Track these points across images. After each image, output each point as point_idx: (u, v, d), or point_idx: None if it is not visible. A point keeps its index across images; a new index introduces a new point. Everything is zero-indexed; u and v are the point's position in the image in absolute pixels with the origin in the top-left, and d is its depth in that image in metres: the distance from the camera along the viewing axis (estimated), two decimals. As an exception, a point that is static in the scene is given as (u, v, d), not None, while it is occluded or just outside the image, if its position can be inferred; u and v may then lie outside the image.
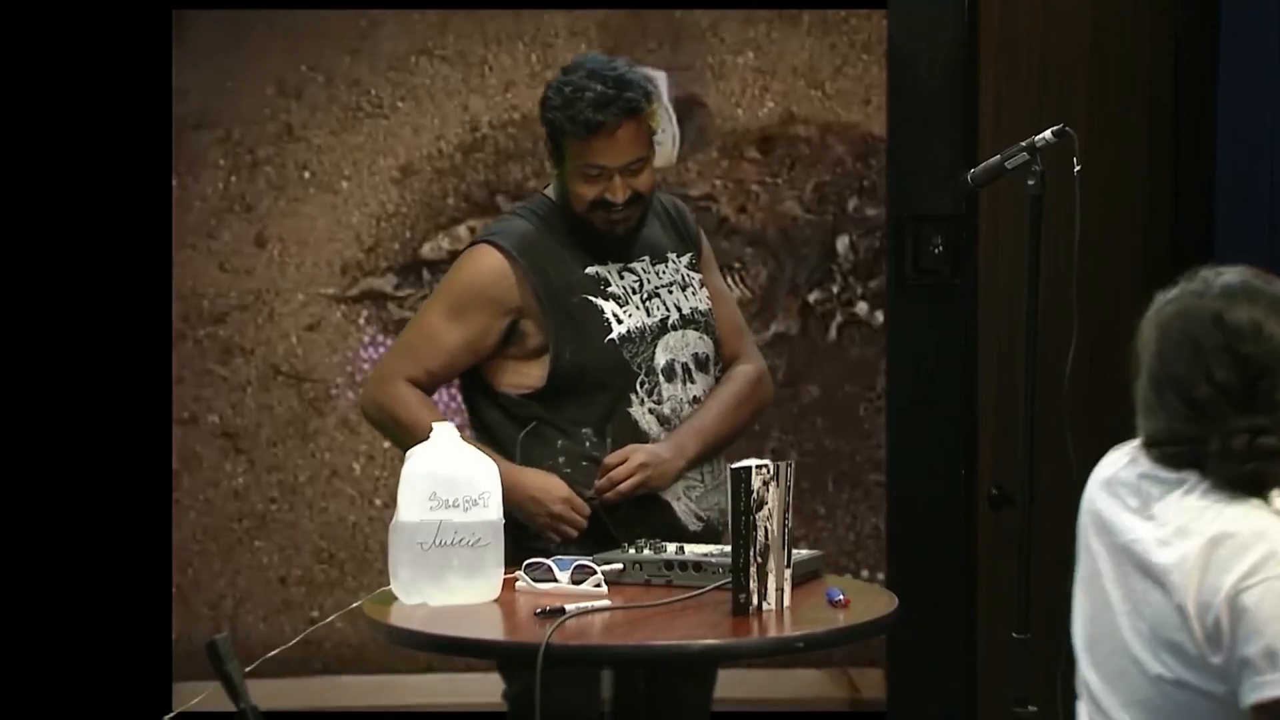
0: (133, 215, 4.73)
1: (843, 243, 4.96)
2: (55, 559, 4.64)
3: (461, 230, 4.91)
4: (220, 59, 4.92)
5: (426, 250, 4.95)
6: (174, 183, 4.90)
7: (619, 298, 3.31)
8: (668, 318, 3.35)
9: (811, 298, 4.96)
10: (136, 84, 4.70)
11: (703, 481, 3.36)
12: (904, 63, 4.41)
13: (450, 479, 2.83)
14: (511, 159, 4.95)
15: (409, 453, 2.92)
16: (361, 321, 4.95)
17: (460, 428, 3.01)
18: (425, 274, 4.94)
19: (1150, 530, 2.26)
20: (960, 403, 4.41)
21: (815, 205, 4.96)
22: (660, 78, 4.92)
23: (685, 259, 3.44)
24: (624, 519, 3.25)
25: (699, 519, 3.34)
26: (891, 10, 4.43)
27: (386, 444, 4.89)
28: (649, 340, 3.32)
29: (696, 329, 3.39)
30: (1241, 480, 2.23)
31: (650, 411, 3.31)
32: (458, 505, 2.82)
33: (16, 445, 4.63)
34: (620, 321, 3.30)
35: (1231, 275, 2.30)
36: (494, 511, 2.86)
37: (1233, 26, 4.29)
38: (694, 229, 3.51)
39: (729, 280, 4.96)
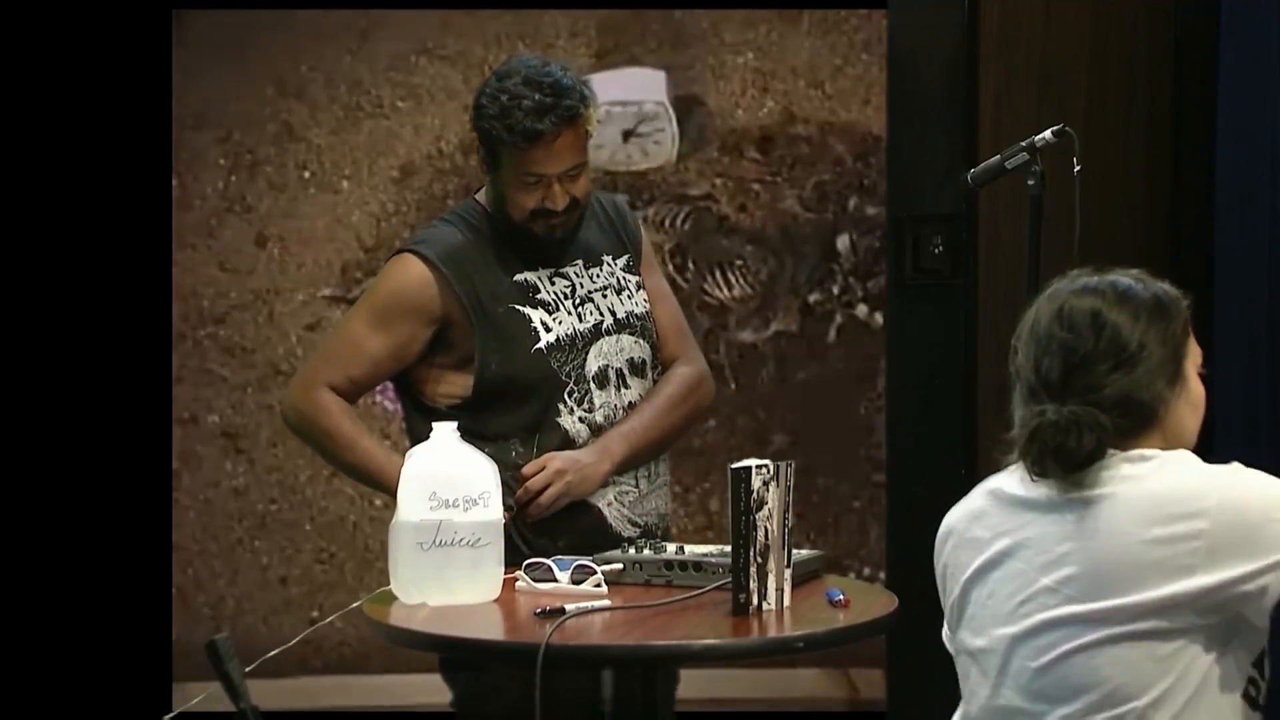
0: (133, 215, 4.73)
1: (843, 242, 4.96)
2: (56, 559, 4.64)
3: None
4: (220, 59, 4.93)
5: (426, 250, 4.95)
6: (174, 183, 4.91)
7: (548, 305, 3.25)
8: (601, 323, 3.29)
9: (812, 297, 4.97)
10: (136, 84, 4.70)
11: (637, 486, 3.31)
12: (904, 63, 4.41)
13: (450, 479, 2.83)
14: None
15: (409, 453, 2.91)
16: (361, 321, 4.95)
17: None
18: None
19: (1058, 491, 2.27)
20: (960, 403, 4.41)
21: (815, 204, 4.96)
22: (660, 78, 4.93)
23: (622, 261, 3.37)
24: (548, 526, 3.20)
25: (634, 524, 3.29)
26: (891, 10, 4.43)
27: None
28: (580, 347, 3.26)
29: (632, 333, 3.32)
30: (1038, 465, 2.26)
31: (581, 420, 3.25)
32: (458, 505, 2.81)
33: (17, 445, 4.64)
34: (549, 330, 3.24)
35: (1106, 275, 2.33)
36: (494, 511, 2.85)
37: (1233, 26, 4.29)
38: (633, 229, 3.43)
39: (729, 278, 4.96)
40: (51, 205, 4.67)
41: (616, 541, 3.16)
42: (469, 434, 3.11)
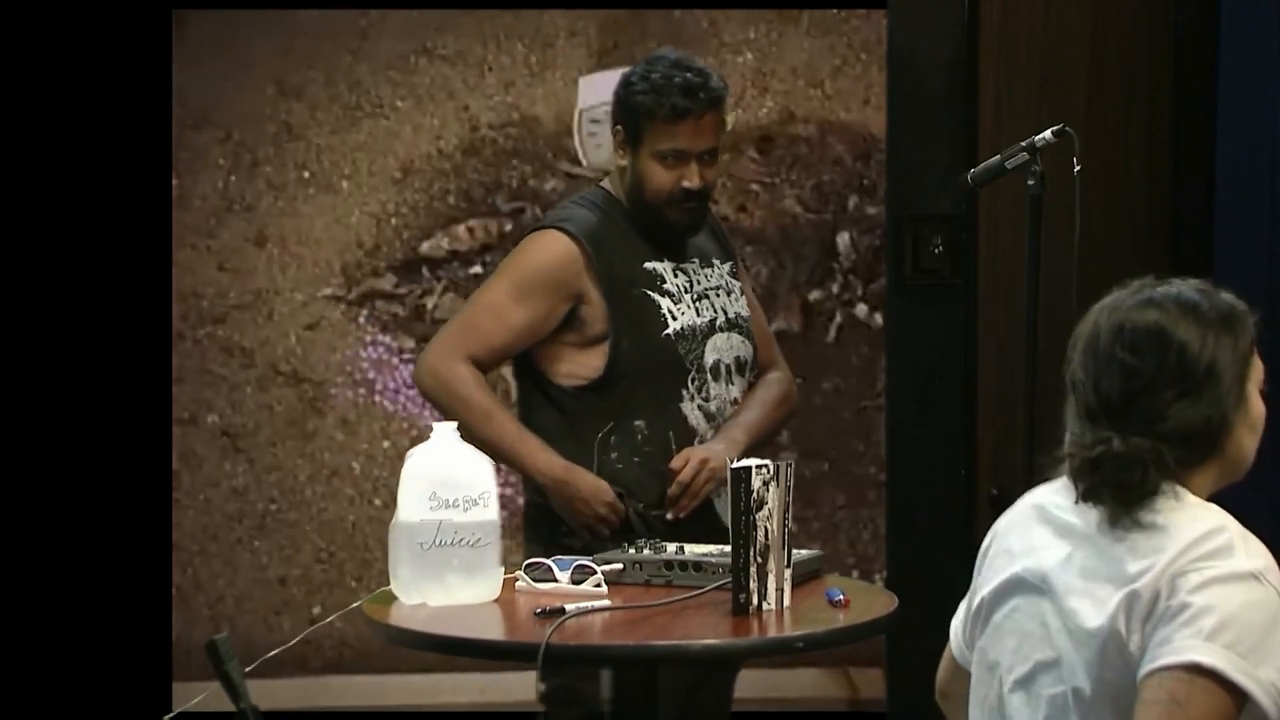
0: (133, 215, 4.73)
1: (843, 241, 4.96)
2: (56, 559, 4.64)
3: (461, 230, 4.92)
4: (220, 59, 4.92)
5: (426, 250, 4.96)
6: (174, 183, 4.90)
7: (673, 295, 3.39)
8: (715, 319, 3.43)
9: (812, 297, 4.97)
10: (136, 84, 4.70)
11: None
12: (904, 63, 4.41)
13: (450, 479, 2.83)
14: (511, 159, 4.96)
15: (408, 453, 2.91)
16: (361, 321, 4.95)
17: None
18: (425, 273, 4.94)
19: (1108, 522, 2.17)
20: (960, 403, 4.41)
21: (815, 204, 4.96)
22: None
23: (727, 267, 3.54)
24: (677, 526, 3.30)
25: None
26: (891, 10, 4.43)
27: (386, 443, 4.89)
28: (700, 339, 3.39)
29: (740, 334, 3.47)
30: (1092, 494, 2.16)
31: (699, 409, 3.38)
32: (457, 505, 2.81)
33: (17, 445, 4.63)
34: (675, 318, 3.37)
35: (1169, 285, 2.22)
36: (494, 511, 2.85)
37: (1233, 26, 4.29)
38: (729, 239, 3.62)
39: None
40: (52, 205, 4.67)
41: (725, 535, 3.18)
42: (595, 415, 3.32)
